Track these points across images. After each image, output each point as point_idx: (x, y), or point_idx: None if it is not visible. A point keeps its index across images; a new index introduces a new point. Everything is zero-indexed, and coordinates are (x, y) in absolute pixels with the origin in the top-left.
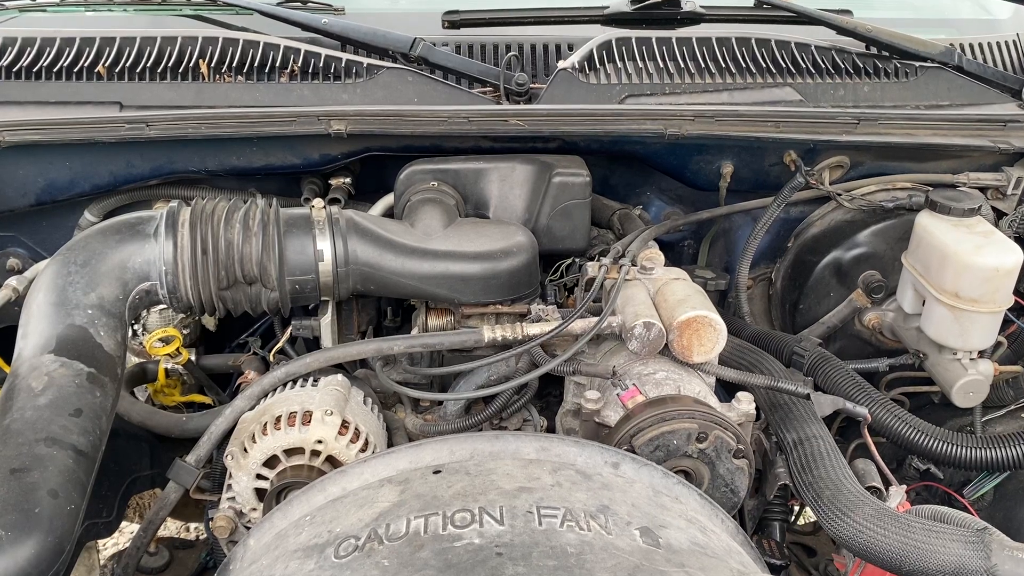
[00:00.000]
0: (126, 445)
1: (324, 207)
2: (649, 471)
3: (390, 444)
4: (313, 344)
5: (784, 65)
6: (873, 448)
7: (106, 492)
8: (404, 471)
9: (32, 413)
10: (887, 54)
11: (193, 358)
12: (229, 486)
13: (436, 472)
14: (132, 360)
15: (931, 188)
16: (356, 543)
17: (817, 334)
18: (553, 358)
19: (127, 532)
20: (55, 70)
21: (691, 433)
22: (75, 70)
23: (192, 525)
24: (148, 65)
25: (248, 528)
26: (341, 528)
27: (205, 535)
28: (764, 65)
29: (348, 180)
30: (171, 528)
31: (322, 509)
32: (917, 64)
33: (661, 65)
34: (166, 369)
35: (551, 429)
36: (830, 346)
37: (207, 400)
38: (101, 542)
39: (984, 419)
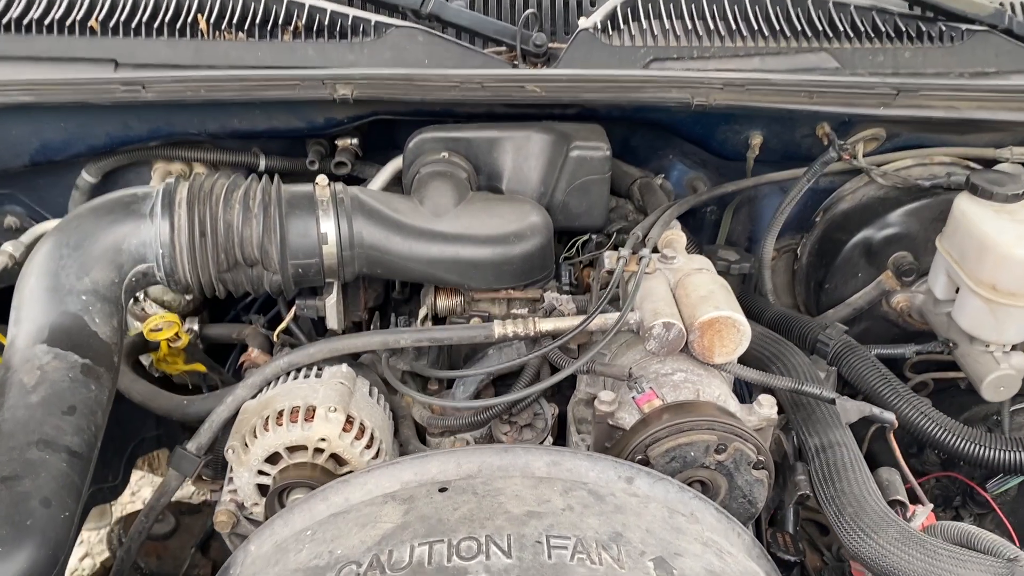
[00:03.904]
0: (131, 408)
1: (328, 184)
2: (664, 486)
3: (396, 433)
4: (318, 324)
5: (820, 28)
6: (899, 456)
7: (111, 456)
8: (409, 484)
9: (24, 412)
10: (932, 15)
11: (196, 328)
12: (230, 479)
13: (442, 490)
14: (135, 326)
15: (971, 163)
16: (357, 570)
17: (842, 315)
18: (566, 352)
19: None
20: (46, 23)
21: (710, 445)
22: (67, 23)
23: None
24: (144, 20)
25: (250, 520)
26: (342, 550)
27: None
28: (799, 27)
29: (355, 141)
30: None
31: (323, 524)
32: (964, 27)
33: (689, 26)
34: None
35: (562, 415)
36: (854, 326)
37: (213, 363)
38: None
39: (1012, 408)
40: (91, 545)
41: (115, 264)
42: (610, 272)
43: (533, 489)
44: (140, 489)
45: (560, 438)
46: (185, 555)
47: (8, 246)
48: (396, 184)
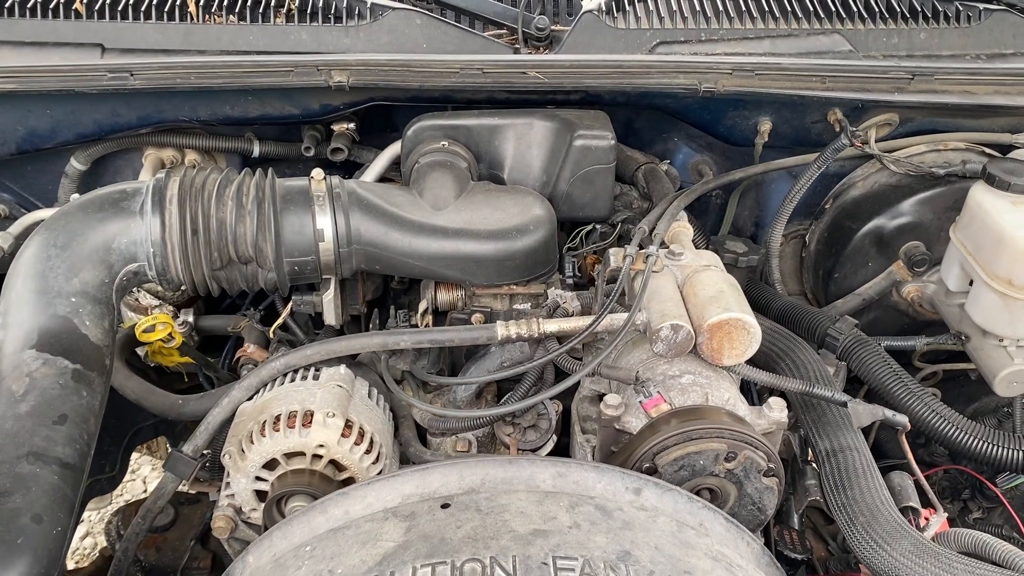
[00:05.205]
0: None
1: (324, 178)
2: (673, 497)
3: (396, 433)
4: (316, 317)
5: (833, 8)
6: (911, 458)
7: (108, 447)
8: (410, 499)
9: (13, 424)
10: None
11: (191, 319)
12: (228, 484)
13: (444, 506)
14: (130, 316)
15: (986, 149)
16: None
17: (852, 306)
18: (570, 352)
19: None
20: (29, 6)
21: (719, 453)
22: (51, 6)
23: None
24: (131, 2)
25: (248, 524)
26: (343, 570)
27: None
28: (811, 8)
29: (352, 125)
30: None
31: (323, 540)
32: (981, 7)
33: (697, 7)
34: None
35: (566, 411)
36: (863, 315)
37: (207, 360)
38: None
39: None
40: (92, 524)
41: (105, 264)
42: (616, 270)
43: (538, 505)
44: (140, 468)
45: (564, 435)
46: (185, 547)
47: None
48: (395, 169)
